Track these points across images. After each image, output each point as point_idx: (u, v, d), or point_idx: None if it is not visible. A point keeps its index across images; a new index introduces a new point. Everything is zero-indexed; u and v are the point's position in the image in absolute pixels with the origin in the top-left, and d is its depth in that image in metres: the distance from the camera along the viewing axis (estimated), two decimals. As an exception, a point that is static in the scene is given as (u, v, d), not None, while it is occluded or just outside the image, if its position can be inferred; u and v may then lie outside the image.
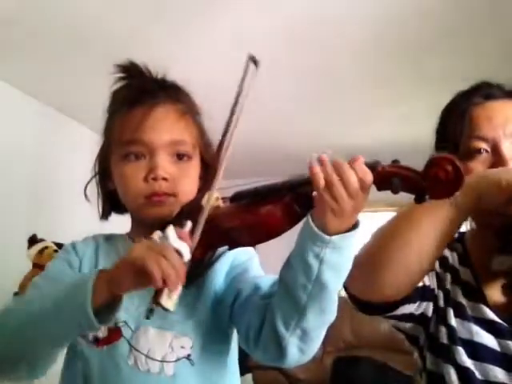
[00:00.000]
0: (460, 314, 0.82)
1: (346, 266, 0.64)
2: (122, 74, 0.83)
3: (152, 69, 0.84)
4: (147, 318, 0.60)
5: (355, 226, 0.62)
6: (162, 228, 0.77)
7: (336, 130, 3.30)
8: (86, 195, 0.85)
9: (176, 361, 0.73)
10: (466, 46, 2.18)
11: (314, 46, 2.21)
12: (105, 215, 0.86)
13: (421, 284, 0.82)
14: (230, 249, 0.73)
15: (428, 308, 0.85)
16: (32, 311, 0.67)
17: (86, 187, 0.85)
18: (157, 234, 0.62)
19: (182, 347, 0.73)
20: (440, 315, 0.84)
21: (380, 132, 3.29)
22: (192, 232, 0.64)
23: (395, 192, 0.59)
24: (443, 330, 0.82)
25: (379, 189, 0.61)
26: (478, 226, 0.90)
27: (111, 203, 0.85)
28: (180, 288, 0.59)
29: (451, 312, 0.83)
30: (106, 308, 0.63)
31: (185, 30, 2.05)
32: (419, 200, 0.60)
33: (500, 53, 2.21)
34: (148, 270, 0.56)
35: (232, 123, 0.71)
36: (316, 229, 0.61)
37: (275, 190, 0.68)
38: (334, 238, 0.60)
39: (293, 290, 0.63)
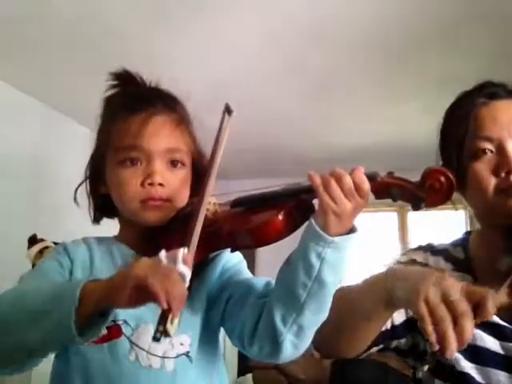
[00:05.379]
0: None
1: (344, 267, 0.67)
2: (116, 82, 0.85)
3: (145, 78, 0.86)
4: (157, 340, 0.56)
5: (353, 230, 0.67)
6: (154, 233, 0.79)
7: (336, 130, 3.30)
8: (75, 199, 0.86)
9: (176, 357, 0.75)
10: (466, 46, 2.19)
11: (313, 47, 2.21)
12: (97, 219, 0.88)
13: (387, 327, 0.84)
14: (232, 251, 0.76)
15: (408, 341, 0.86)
16: (23, 304, 0.65)
17: (76, 191, 0.87)
18: (163, 254, 0.60)
19: (182, 344, 0.76)
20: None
21: (380, 132, 3.29)
22: (189, 241, 0.66)
23: (394, 201, 0.66)
24: None
25: (378, 198, 0.67)
26: (484, 226, 0.89)
27: (103, 207, 0.87)
28: (179, 313, 0.57)
29: None
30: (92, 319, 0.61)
31: (185, 29, 2.05)
32: (416, 208, 0.66)
33: (499, 53, 2.21)
34: (153, 290, 0.55)
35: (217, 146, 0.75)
36: (319, 229, 0.64)
37: (277, 196, 0.72)
38: (335, 238, 0.64)
39: (293, 287, 0.66)
